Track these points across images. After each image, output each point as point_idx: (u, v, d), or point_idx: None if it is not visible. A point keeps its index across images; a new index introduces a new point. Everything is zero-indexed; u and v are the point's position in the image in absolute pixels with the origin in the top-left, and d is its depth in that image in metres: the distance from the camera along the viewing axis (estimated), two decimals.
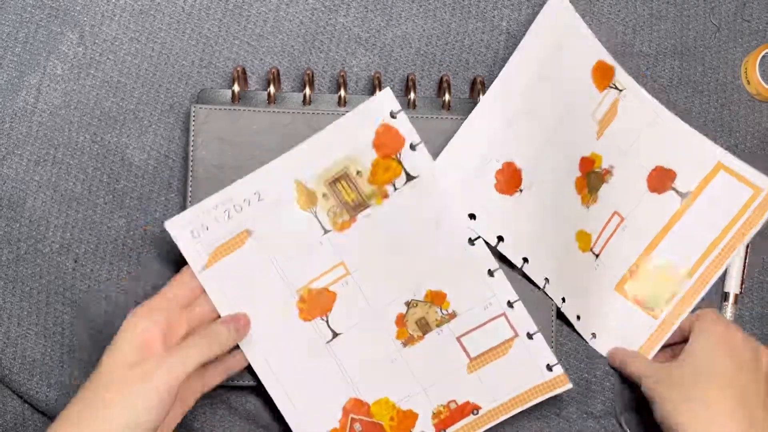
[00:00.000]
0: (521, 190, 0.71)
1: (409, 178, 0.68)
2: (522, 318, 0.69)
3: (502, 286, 0.69)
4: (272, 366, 0.68)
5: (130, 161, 0.73)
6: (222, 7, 0.74)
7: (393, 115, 0.67)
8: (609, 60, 0.74)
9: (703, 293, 0.76)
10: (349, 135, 0.67)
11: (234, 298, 0.67)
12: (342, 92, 0.70)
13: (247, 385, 0.70)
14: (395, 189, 0.68)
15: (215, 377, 0.67)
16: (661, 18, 0.78)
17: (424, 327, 0.69)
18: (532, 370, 0.69)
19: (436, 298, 0.69)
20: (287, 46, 0.75)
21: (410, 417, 0.69)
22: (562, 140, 0.72)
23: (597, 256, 0.75)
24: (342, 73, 0.71)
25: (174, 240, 0.66)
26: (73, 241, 0.72)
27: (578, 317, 0.74)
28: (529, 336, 0.69)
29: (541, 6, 0.72)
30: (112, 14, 0.73)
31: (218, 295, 0.66)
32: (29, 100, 0.72)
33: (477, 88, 0.72)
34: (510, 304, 0.69)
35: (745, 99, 0.79)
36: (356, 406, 0.69)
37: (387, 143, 0.68)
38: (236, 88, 0.70)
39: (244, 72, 0.71)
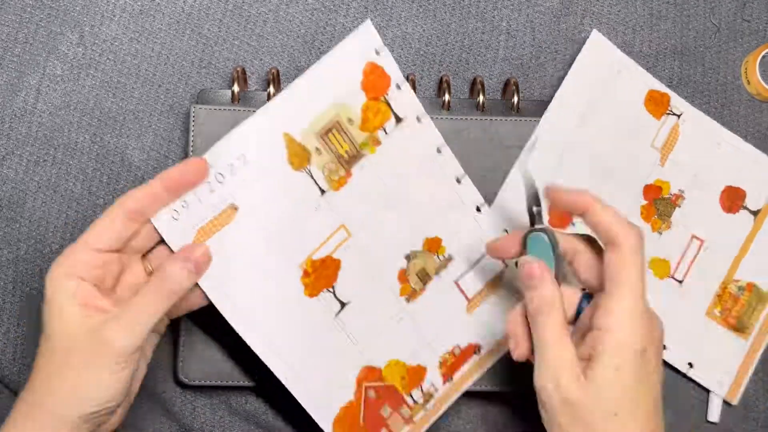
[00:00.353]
0: (573, 224, 0.72)
1: (398, 120, 0.65)
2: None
3: (492, 219, 0.69)
4: (278, 349, 0.63)
5: (129, 162, 0.73)
6: (222, 8, 0.74)
7: (378, 52, 0.63)
8: (662, 88, 0.75)
9: None
10: (336, 76, 0.62)
11: (227, 282, 0.60)
12: None
13: (247, 386, 0.70)
14: (386, 134, 0.64)
15: (170, 317, 0.61)
16: (661, 18, 0.78)
17: (425, 277, 0.68)
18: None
19: (433, 245, 0.68)
20: (287, 47, 0.75)
21: (419, 371, 0.68)
22: (620, 172, 0.73)
23: (680, 282, 0.74)
24: None
25: (162, 235, 0.58)
26: (73, 242, 0.72)
27: (664, 347, 0.73)
28: (477, 209, 0.69)
29: (541, 6, 0.73)
30: (111, 14, 0.73)
31: (209, 280, 0.59)
32: (29, 101, 0.72)
33: (477, 88, 0.72)
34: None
35: (746, 99, 0.79)
36: (369, 374, 0.66)
37: (375, 84, 0.63)
38: (236, 88, 0.70)
39: (243, 72, 0.71)
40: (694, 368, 0.74)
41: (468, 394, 0.69)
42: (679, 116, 0.75)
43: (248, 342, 0.61)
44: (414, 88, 0.71)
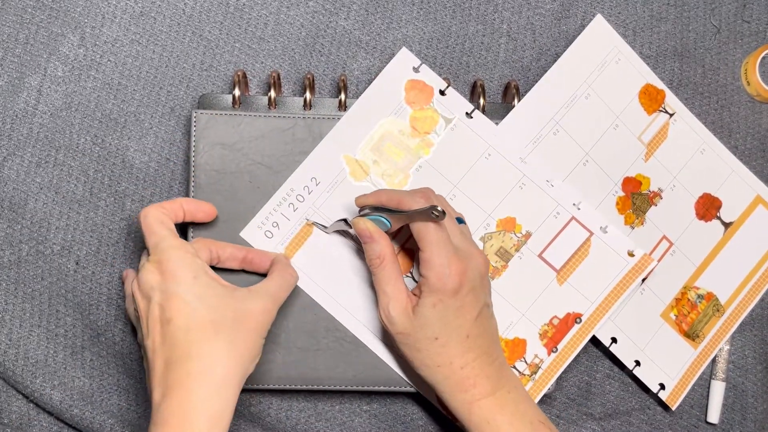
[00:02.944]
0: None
1: (447, 121, 0.71)
2: (591, 215, 0.71)
3: (564, 191, 0.71)
4: (365, 321, 0.70)
5: (131, 163, 0.73)
6: (222, 10, 0.74)
7: (416, 70, 0.71)
8: (658, 84, 0.75)
9: (736, 325, 0.77)
10: (381, 100, 0.70)
11: (321, 282, 0.70)
12: (343, 96, 0.70)
13: (248, 388, 0.70)
14: (438, 136, 0.71)
15: None
16: (662, 19, 0.78)
17: (505, 255, 0.71)
18: (616, 261, 0.71)
19: (507, 224, 0.71)
20: (288, 50, 0.75)
21: (519, 344, 0.71)
22: (602, 158, 0.73)
23: (643, 280, 0.74)
24: (343, 77, 0.71)
25: (250, 245, 0.69)
26: (74, 243, 0.72)
27: (614, 340, 0.74)
28: (603, 230, 0.71)
29: (542, 8, 0.73)
30: (112, 16, 0.73)
31: (308, 284, 0.70)
32: (30, 102, 0.72)
33: (477, 91, 0.72)
34: (576, 206, 0.71)
35: (745, 100, 0.79)
36: None
37: (418, 96, 0.71)
38: (237, 92, 0.70)
39: (244, 76, 0.71)
40: (640, 367, 0.75)
41: None
42: (671, 115, 0.75)
43: (341, 321, 0.71)
44: None
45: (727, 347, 0.77)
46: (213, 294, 0.59)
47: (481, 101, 0.71)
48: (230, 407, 0.57)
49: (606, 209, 0.74)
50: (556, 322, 0.71)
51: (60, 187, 0.72)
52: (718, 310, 0.76)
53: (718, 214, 0.77)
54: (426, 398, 0.72)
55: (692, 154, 0.76)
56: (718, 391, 0.76)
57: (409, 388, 0.71)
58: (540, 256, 0.71)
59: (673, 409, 0.75)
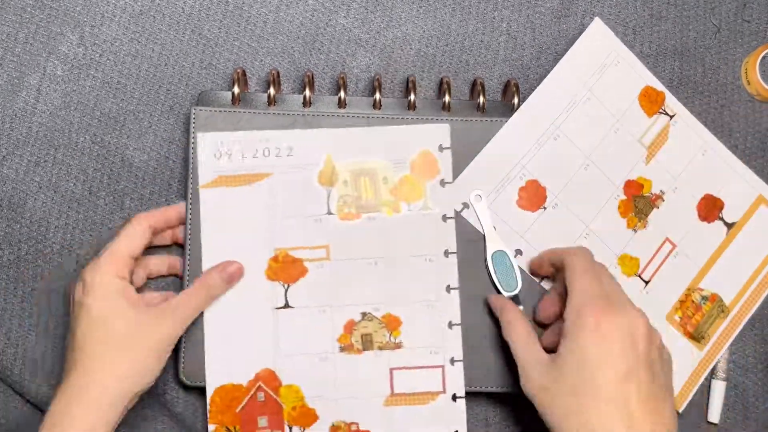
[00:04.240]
0: (545, 208, 0.72)
1: (426, 208, 0.70)
2: (456, 379, 0.69)
3: (456, 342, 0.70)
4: (221, 306, 0.69)
5: (130, 162, 0.73)
6: (222, 9, 0.74)
7: (441, 149, 0.70)
8: (658, 86, 0.75)
9: (741, 326, 0.76)
10: (394, 144, 0.70)
11: (219, 228, 0.69)
12: (342, 94, 0.70)
13: None
14: (409, 209, 0.70)
15: None
16: (662, 18, 0.78)
17: (367, 344, 0.69)
18: (439, 429, 0.69)
19: (392, 322, 0.70)
20: (287, 48, 0.75)
21: (311, 417, 0.69)
22: (603, 162, 0.73)
23: (646, 282, 0.74)
24: (342, 75, 0.71)
25: (197, 149, 0.69)
26: (74, 242, 0.72)
27: None
28: (454, 398, 0.69)
29: (542, 7, 0.72)
30: (112, 15, 0.73)
31: (208, 218, 0.69)
32: (29, 101, 0.72)
33: (477, 89, 0.72)
34: (452, 362, 0.69)
35: (745, 99, 0.79)
36: (269, 378, 0.69)
37: (423, 169, 0.70)
38: (236, 90, 0.70)
39: (244, 74, 0.71)
40: None
41: (468, 394, 0.70)
42: (671, 117, 0.75)
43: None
44: (414, 89, 0.71)
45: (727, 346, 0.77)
46: (117, 315, 0.62)
47: (481, 99, 0.71)
48: (107, 423, 0.60)
49: (608, 213, 0.73)
50: (354, 428, 0.69)
51: (59, 186, 0.72)
52: (723, 311, 0.76)
53: (720, 215, 0.77)
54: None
55: (693, 156, 0.76)
56: (719, 390, 0.76)
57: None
58: (392, 370, 0.70)
59: (680, 411, 0.75)
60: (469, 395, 0.70)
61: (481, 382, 0.70)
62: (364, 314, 0.70)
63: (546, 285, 0.71)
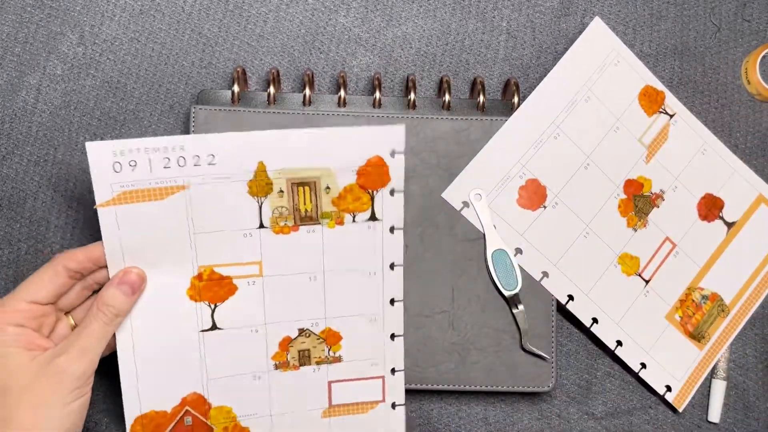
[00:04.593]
0: (545, 207, 0.72)
1: (373, 218, 0.65)
2: (397, 387, 0.68)
3: (397, 352, 0.68)
4: (135, 331, 0.63)
5: None
6: (222, 8, 0.74)
7: (393, 155, 0.64)
8: (658, 85, 0.75)
9: (741, 326, 0.76)
10: (340, 148, 0.63)
11: (126, 249, 0.61)
12: (342, 93, 0.70)
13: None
14: (353, 221, 0.65)
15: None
16: (662, 18, 0.78)
17: (304, 359, 0.67)
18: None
19: (332, 337, 0.67)
20: (287, 47, 0.75)
21: None
22: (603, 161, 0.73)
23: (647, 282, 0.74)
24: (342, 74, 0.71)
25: (90, 164, 0.59)
26: (73, 242, 0.72)
27: (619, 343, 0.73)
28: (393, 406, 0.69)
29: (542, 6, 0.72)
30: (112, 14, 0.73)
31: (111, 240, 0.60)
32: (29, 100, 0.72)
33: (477, 88, 0.72)
34: (393, 371, 0.68)
35: (746, 99, 0.79)
36: (197, 402, 0.65)
37: (371, 177, 0.64)
38: (236, 88, 0.70)
39: (244, 73, 0.71)
40: (646, 369, 0.74)
41: (468, 394, 0.69)
42: (671, 116, 0.75)
43: None
44: (414, 88, 0.71)
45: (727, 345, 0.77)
46: (10, 369, 0.56)
47: (481, 98, 0.71)
48: None
49: (608, 212, 0.73)
50: None
51: (59, 185, 0.72)
52: (723, 311, 0.76)
53: (720, 214, 0.77)
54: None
55: (693, 155, 0.76)
56: (719, 390, 0.76)
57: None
58: (330, 383, 0.68)
59: (680, 410, 0.75)
60: (470, 395, 0.70)
61: (481, 382, 0.70)
62: (301, 330, 0.66)
63: (546, 285, 0.71)
